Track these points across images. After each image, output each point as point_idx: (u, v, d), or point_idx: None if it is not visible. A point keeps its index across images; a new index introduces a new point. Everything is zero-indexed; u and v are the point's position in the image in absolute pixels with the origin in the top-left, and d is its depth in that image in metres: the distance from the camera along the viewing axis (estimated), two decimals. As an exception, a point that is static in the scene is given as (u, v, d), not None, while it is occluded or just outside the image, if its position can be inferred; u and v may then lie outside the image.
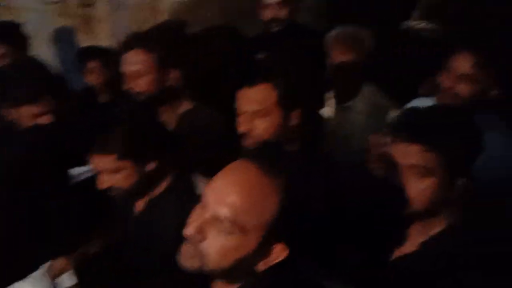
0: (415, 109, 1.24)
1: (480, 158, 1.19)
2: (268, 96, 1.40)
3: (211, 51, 2.27)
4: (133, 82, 1.78)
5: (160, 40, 1.84)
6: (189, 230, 0.87)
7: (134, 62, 1.76)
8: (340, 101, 2.16)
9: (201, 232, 0.86)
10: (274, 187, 0.88)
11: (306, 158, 1.50)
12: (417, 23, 2.33)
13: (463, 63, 1.60)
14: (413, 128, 1.16)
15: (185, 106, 1.91)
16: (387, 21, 2.43)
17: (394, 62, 2.34)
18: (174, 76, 1.81)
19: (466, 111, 1.23)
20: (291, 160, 1.47)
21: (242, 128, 1.43)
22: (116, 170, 1.33)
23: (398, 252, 1.23)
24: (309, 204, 1.08)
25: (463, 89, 1.60)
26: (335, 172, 1.52)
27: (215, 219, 0.86)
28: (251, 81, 1.41)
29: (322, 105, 2.17)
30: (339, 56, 2.04)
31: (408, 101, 2.00)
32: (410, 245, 1.21)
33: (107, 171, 1.34)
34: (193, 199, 1.02)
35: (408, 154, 1.14)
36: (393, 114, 1.98)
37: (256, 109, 1.41)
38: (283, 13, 2.35)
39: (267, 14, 2.37)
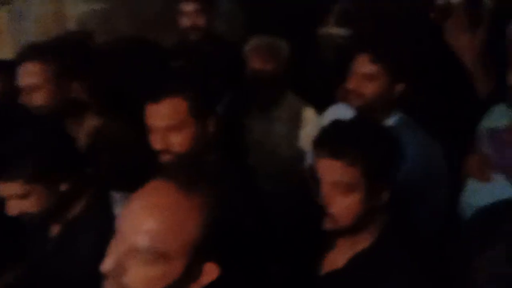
0: (336, 124, 1.24)
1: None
2: (179, 109, 1.35)
3: (120, 62, 2.19)
4: (29, 96, 1.68)
5: (60, 51, 1.76)
6: (106, 265, 0.78)
7: (29, 74, 1.68)
8: (262, 111, 2.17)
9: (120, 266, 0.78)
10: (194, 205, 0.81)
11: (228, 168, 1.44)
12: (331, 29, 2.41)
13: (362, 63, 1.66)
14: (334, 143, 1.15)
15: (94, 120, 1.82)
16: (303, 28, 2.49)
17: (311, 69, 2.40)
18: (76, 88, 1.74)
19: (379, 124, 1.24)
20: (213, 171, 1.41)
21: (157, 145, 1.36)
22: (25, 195, 1.22)
23: (327, 268, 1.23)
24: (235, 217, 1.04)
25: (367, 88, 1.66)
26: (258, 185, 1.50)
27: (134, 250, 0.78)
28: (157, 96, 1.36)
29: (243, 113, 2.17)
30: (257, 66, 2.05)
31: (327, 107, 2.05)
32: (338, 261, 1.20)
33: (15, 197, 1.23)
34: (111, 218, 0.97)
35: (331, 171, 1.14)
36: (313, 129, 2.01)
37: (169, 124, 1.35)
38: (201, 21, 2.35)
39: (185, 22, 2.36)
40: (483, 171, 1.68)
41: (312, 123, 2.11)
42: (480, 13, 2.09)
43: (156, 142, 1.37)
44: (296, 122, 2.14)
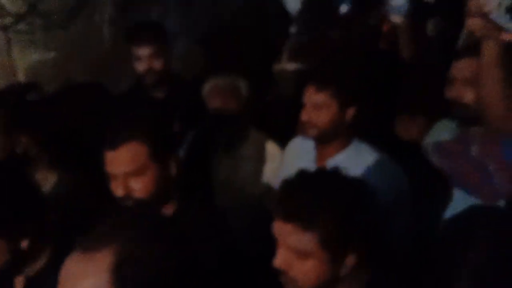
0: (295, 179, 1.14)
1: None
2: (138, 154, 1.33)
3: (70, 111, 2.15)
4: None
5: (6, 104, 1.74)
6: None
7: None
8: (227, 150, 2.16)
9: None
10: (100, 268, 0.73)
11: (189, 210, 1.43)
12: (285, 65, 2.47)
13: (310, 94, 1.71)
14: (288, 204, 1.06)
15: (46, 174, 1.77)
16: (259, 65, 2.54)
17: (271, 104, 2.44)
18: (26, 142, 1.71)
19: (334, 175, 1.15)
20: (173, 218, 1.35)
21: (118, 192, 1.33)
22: None
23: None
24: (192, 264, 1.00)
25: (318, 117, 1.70)
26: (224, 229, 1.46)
27: None
28: (114, 143, 1.33)
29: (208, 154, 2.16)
30: (218, 106, 2.06)
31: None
32: None
33: None
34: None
35: (285, 234, 1.05)
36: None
37: (129, 171, 1.33)
38: (157, 64, 2.30)
39: (140, 66, 2.31)
40: None
41: (275, 158, 2.12)
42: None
43: (117, 189, 1.34)
44: (261, 159, 2.15)
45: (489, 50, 1.22)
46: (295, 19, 2.70)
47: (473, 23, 1.16)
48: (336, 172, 1.16)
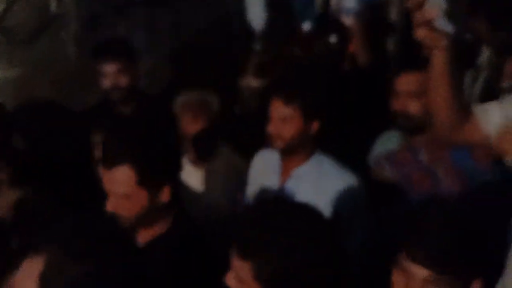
0: (245, 216, 1.11)
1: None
2: (127, 179, 1.33)
3: (34, 128, 2.14)
4: None
5: None
6: None
7: None
8: (198, 165, 2.19)
9: None
10: None
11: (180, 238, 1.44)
12: (250, 80, 2.53)
13: (277, 107, 1.76)
14: (242, 242, 1.00)
15: (12, 193, 1.74)
16: (225, 80, 2.59)
17: (237, 119, 2.49)
18: None
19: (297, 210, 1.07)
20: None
21: (107, 207, 1.36)
22: None
23: None
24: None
25: (284, 130, 1.76)
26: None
27: None
28: (109, 163, 1.34)
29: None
30: (189, 122, 2.08)
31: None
32: None
33: None
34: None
35: (242, 272, 0.98)
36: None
37: (117, 192, 1.34)
38: (123, 81, 2.31)
39: (107, 83, 2.31)
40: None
41: (243, 172, 2.17)
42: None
43: (109, 205, 1.36)
44: (229, 172, 2.19)
45: (438, 59, 1.25)
46: (259, 36, 2.78)
47: (420, 34, 1.18)
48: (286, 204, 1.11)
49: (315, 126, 1.79)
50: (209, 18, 3.56)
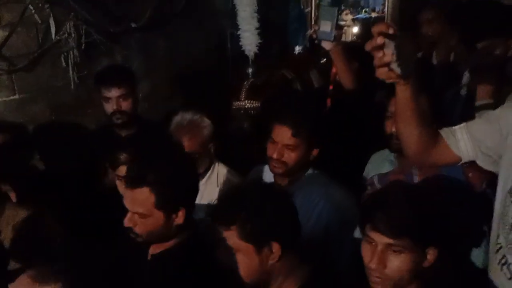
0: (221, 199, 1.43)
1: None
2: (145, 200, 1.44)
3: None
4: None
5: None
6: None
7: None
8: None
9: None
10: None
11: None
12: (243, 102, 2.62)
13: (283, 135, 1.82)
14: (223, 214, 1.33)
15: (16, 212, 1.78)
16: (219, 102, 2.67)
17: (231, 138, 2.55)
18: None
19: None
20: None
21: (125, 223, 1.48)
22: None
23: None
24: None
25: (289, 157, 1.83)
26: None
27: None
28: (131, 183, 1.45)
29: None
30: (184, 141, 2.12)
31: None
32: None
33: None
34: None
35: (231, 240, 1.30)
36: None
37: (135, 211, 1.45)
38: (125, 105, 2.38)
39: (109, 107, 2.38)
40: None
41: None
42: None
43: (126, 221, 1.47)
44: (224, 188, 2.24)
45: (401, 92, 1.33)
46: (252, 61, 2.86)
47: (379, 73, 1.26)
48: (256, 183, 1.46)
49: (315, 153, 1.88)
50: (203, 43, 3.65)
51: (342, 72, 2.26)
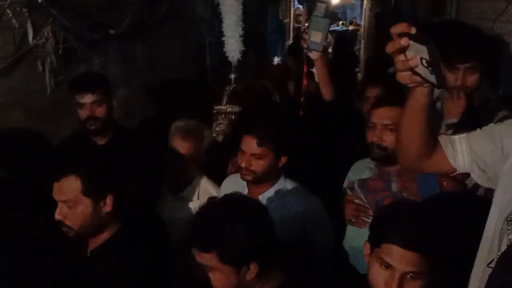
0: (199, 219, 1.39)
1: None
2: (72, 187, 1.50)
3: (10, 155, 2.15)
4: None
5: None
6: None
7: None
8: (174, 192, 2.23)
9: None
10: None
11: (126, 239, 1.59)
12: (225, 107, 2.64)
13: (250, 145, 1.86)
14: (202, 238, 1.33)
15: None
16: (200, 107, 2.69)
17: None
18: None
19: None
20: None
21: (56, 216, 1.53)
22: None
23: None
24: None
25: (257, 165, 1.87)
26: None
27: None
28: (57, 175, 1.51)
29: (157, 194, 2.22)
30: (179, 141, 2.16)
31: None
32: None
33: None
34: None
35: (210, 262, 1.33)
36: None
37: (63, 200, 1.51)
38: (99, 111, 2.36)
39: (83, 113, 2.36)
40: (358, 217, 1.90)
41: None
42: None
43: (56, 213, 1.52)
44: (202, 199, 2.24)
45: (417, 95, 1.24)
46: (235, 67, 2.89)
47: (402, 76, 1.18)
48: (233, 199, 1.41)
49: (283, 160, 1.92)
50: (183, 50, 3.66)
51: (323, 84, 2.26)
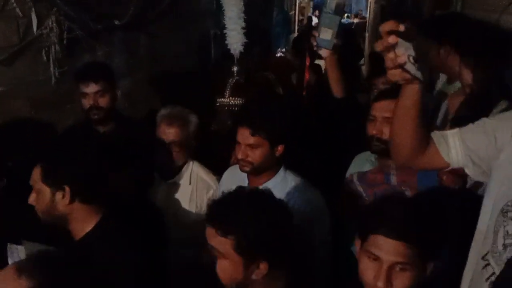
0: (222, 197, 1.40)
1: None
2: (35, 175, 1.56)
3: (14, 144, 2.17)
4: None
5: None
6: None
7: None
8: (165, 178, 2.25)
9: None
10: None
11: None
12: (227, 99, 2.64)
13: (244, 136, 1.87)
14: (212, 211, 1.34)
15: None
16: (204, 99, 2.69)
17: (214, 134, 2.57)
18: None
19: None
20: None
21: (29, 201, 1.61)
22: None
23: None
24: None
25: (253, 156, 1.87)
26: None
27: None
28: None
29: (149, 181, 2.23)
30: (164, 129, 2.17)
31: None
32: None
33: None
34: None
35: (209, 236, 1.32)
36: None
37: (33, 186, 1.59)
38: (102, 101, 2.38)
39: (86, 103, 2.38)
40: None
41: (211, 187, 2.25)
42: None
43: (30, 198, 1.60)
44: (199, 189, 2.27)
45: (408, 92, 1.25)
46: (237, 60, 2.89)
47: (392, 74, 1.18)
48: (261, 193, 1.40)
49: (280, 149, 1.91)
50: (187, 42, 3.66)
51: (333, 82, 2.24)
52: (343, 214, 2.00)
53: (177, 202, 2.25)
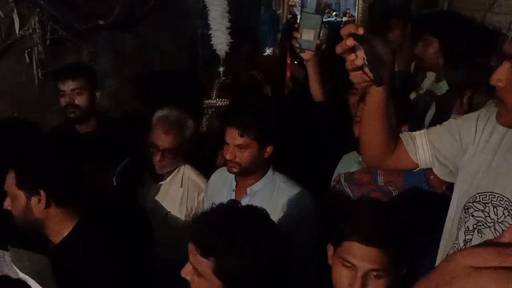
0: (206, 220, 1.28)
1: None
2: (10, 179, 1.55)
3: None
4: None
5: None
6: None
7: None
8: (157, 180, 2.23)
9: None
10: None
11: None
12: (214, 100, 2.62)
13: (232, 136, 1.83)
14: (204, 241, 1.23)
15: None
16: (190, 100, 2.67)
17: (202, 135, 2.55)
18: None
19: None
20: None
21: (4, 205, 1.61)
22: None
23: None
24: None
25: (242, 156, 1.84)
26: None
27: None
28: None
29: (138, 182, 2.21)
30: (160, 135, 2.13)
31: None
32: None
33: None
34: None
35: (191, 253, 1.24)
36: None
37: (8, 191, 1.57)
38: (79, 99, 2.35)
39: (63, 100, 2.36)
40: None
41: (201, 189, 2.23)
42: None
43: (5, 203, 1.59)
44: (186, 188, 2.24)
45: (372, 94, 1.26)
46: (223, 60, 2.87)
47: (353, 76, 1.20)
48: (253, 215, 1.30)
49: (269, 150, 1.89)
50: (174, 42, 3.63)
51: (314, 85, 2.21)
52: (331, 215, 1.98)
53: (167, 204, 2.22)
